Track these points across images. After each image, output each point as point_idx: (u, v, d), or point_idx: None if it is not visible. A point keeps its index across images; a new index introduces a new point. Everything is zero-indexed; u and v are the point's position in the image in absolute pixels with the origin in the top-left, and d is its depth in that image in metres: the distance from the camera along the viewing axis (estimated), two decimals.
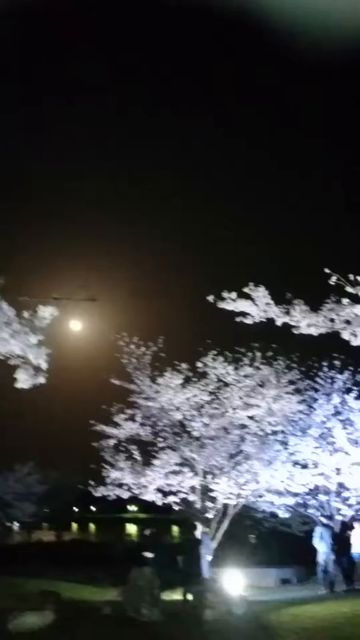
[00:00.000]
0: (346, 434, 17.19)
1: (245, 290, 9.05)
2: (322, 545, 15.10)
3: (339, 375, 18.59)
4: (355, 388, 18.35)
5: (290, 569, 19.75)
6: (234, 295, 9.14)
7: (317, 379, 18.86)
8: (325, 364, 18.71)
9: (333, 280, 8.32)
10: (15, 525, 42.77)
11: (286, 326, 9.22)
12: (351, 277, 8.35)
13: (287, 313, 8.96)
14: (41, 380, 8.65)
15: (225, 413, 16.51)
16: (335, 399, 18.31)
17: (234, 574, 14.28)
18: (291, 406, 16.85)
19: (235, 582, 13.31)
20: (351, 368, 18.50)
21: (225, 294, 9.17)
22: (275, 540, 24.88)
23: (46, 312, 8.45)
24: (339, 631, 8.98)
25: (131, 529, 55.31)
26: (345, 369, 18.56)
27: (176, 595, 13.18)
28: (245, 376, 16.56)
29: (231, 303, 9.16)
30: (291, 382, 17.16)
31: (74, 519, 68.23)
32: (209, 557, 15.21)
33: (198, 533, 14.47)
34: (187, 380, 16.66)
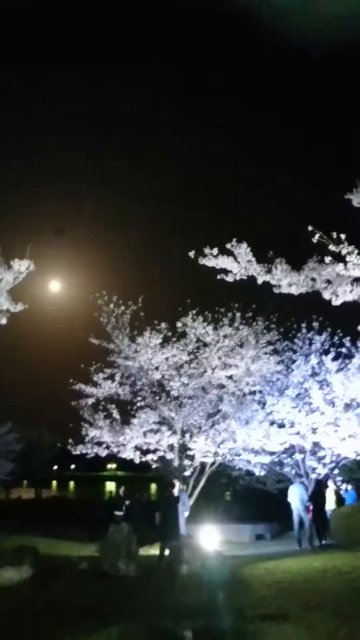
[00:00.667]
0: (323, 394, 17.35)
1: (227, 246, 8.87)
2: (296, 502, 15.39)
3: (317, 337, 18.71)
4: (332, 349, 18.48)
5: (265, 525, 20.16)
6: (215, 251, 8.96)
7: (296, 340, 18.95)
8: (303, 325, 18.79)
9: (316, 238, 8.17)
10: None
11: (267, 285, 9.09)
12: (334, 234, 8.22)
13: (269, 271, 8.81)
14: (3, 321, 8.38)
15: (204, 373, 16.52)
16: (313, 360, 18.43)
17: (209, 530, 14.56)
18: (269, 367, 16.91)
19: (211, 538, 13.57)
20: (329, 329, 18.61)
21: (206, 250, 8.98)
22: (250, 498, 25.37)
23: (22, 267, 8.12)
24: (310, 585, 9.18)
25: (110, 486, 56.02)
26: (323, 331, 18.66)
27: (153, 551, 13.36)
28: (225, 336, 16.52)
29: (212, 259, 8.99)
30: (270, 343, 17.19)
31: (54, 477, 68.90)
32: (186, 514, 15.40)
33: (175, 490, 14.60)
34: (166, 340, 16.59)
